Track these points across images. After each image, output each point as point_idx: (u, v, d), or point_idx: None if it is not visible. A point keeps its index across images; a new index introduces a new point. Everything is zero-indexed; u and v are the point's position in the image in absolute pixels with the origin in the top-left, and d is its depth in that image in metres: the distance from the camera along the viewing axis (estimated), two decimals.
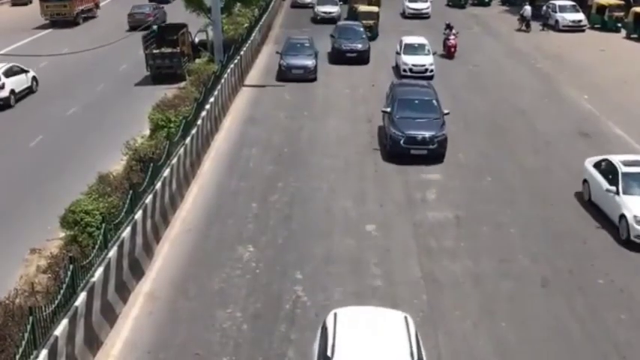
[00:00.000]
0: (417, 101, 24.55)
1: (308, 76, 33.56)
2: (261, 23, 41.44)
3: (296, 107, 29.57)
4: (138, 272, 16.07)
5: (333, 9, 50.09)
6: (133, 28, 43.72)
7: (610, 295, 15.73)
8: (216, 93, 26.37)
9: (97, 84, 33.80)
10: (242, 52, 33.28)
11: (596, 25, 46.46)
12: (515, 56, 39.53)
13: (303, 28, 46.41)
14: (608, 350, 13.87)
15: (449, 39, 38.40)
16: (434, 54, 34.90)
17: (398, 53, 35.09)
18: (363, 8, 46.23)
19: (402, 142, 22.76)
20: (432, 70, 33.57)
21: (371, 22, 43.76)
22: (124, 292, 15.15)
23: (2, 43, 39.31)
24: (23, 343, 10.60)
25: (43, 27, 50.49)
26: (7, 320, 11.37)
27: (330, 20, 47.69)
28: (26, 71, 32.50)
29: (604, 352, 13.84)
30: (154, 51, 34.10)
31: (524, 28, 46.82)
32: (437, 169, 22.69)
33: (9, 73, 31.31)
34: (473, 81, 33.26)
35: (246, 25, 38.20)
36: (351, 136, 26.06)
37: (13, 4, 63.14)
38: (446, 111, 24.12)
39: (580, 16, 46.53)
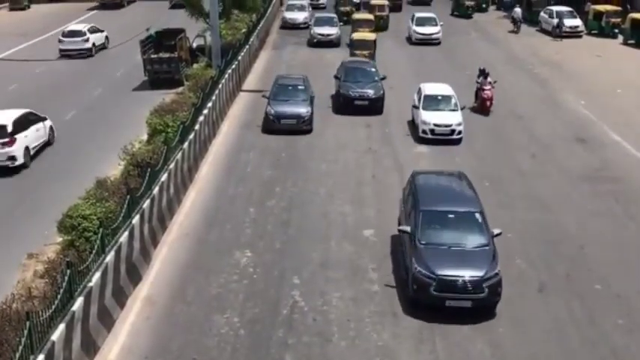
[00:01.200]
0: (451, 215, 16.29)
1: (301, 127, 26.85)
2: (259, 28, 41.50)
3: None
4: (135, 277, 16.06)
5: (331, 30, 43.65)
6: None
7: (607, 300, 15.75)
8: (214, 98, 26.40)
9: (95, 89, 33.81)
10: (240, 57, 33.32)
11: (593, 31, 46.57)
12: (512, 62, 39.59)
13: (300, 36, 46.33)
14: (606, 355, 13.89)
15: (484, 89, 29.42)
16: (462, 109, 26.83)
17: (416, 107, 26.94)
18: (357, 35, 38.74)
19: (432, 288, 14.88)
20: (459, 132, 25.79)
21: (365, 52, 36.26)
22: (121, 296, 15.14)
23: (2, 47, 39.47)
24: (20, 348, 10.58)
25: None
26: (4, 325, 11.37)
27: (328, 43, 42.91)
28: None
29: (601, 357, 13.85)
30: (152, 56, 34.12)
31: (515, 29, 48.21)
32: None
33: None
34: (470, 86, 33.28)
35: (244, 30, 38.26)
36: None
37: (11, 9, 63.12)
38: (497, 231, 15.97)
39: (577, 22, 46.65)
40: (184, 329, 14.57)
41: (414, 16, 46.49)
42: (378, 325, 14.76)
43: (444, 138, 25.55)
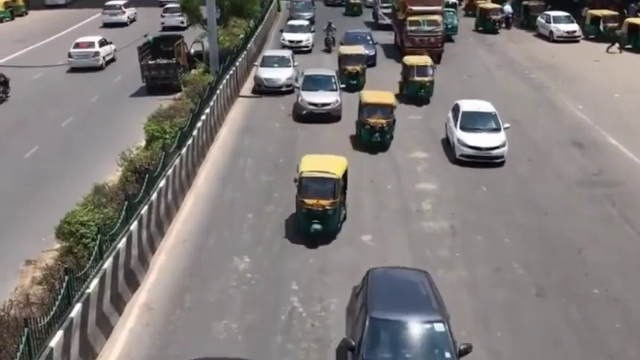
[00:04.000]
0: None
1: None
2: (256, 34, 41.56)
3: (290, 117, 29.57)
4: (133, 283, 16.06)
5: (328, 98, 29.20)
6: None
7: (605, 304, 15.77)
8: (211, 104, 26.43)
9: (93, 95, 33.81)
10: (237, 63, 33.37)
11: (590, 36, 46.66)
12: (509, 66, 39.66)
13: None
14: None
15: None
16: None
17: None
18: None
19: None
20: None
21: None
22: (119, 303, 15.13)
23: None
24: (18, 354, 10.57)
25: None
26: (2, 332, 11.36)
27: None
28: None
29: None
30: (150, 62, 34.14)
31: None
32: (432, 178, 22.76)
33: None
34: (467, 90, 33.31)
35: (241, 36, 38.31)
36: None
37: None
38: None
39: (574, 26, 46.74)
40: (183, 335, 14.57)
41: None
42: None
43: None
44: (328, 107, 28.57)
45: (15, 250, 17.98)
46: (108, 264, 14.39)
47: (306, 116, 28.61)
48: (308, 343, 14.30)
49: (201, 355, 12.56)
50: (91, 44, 39.78)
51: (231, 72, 31.45)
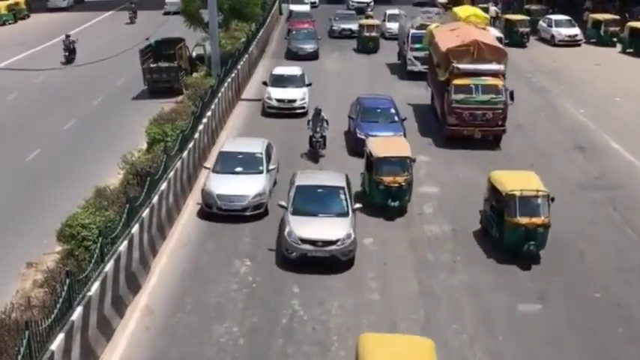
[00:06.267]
0: None
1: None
2: (258, 37, 41.58)
3: (292, 119, 29.55)
4: (134, 286, 16.04)
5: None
6: None
7: (607, 308, 15.74)
8: (213, 107, 26.42)
9: (95, 98, 33.83)
10: (239, 66, 33.38)
11: (592, 40, 46.68)
12: (511, 70, 39.51)
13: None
14: None
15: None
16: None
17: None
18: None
19: None
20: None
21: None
22: (120, 306, 15.12)
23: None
24: (19, 357, 10.56)
25: None
26: (2, 334, 11.36)
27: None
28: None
29: None
30: (152, 65, 34.18)
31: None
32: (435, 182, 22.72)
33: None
34: None
35: (243, 39, 38.33)
36: None
37: None
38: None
39: (576, 30, 46.75)
40: (183, 338, 14.55)
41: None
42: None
43: None
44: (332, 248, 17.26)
45: (16, 253, 17.98)
46: (109, 267, 14.38)
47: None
48: (309, 346, 14.28)
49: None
50: None
51: (232, 75, 31.47)
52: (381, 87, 32.90)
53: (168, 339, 14.57)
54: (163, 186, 18.79)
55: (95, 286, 13.62)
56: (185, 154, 21.33)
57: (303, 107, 28.90)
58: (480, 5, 52.54)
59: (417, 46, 34.85)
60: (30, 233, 19.22)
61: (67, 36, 43.22)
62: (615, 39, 45.32)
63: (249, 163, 21.00)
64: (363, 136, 23.44)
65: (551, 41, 46.73)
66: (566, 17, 48.07)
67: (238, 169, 20.84)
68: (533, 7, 52.21)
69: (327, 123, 24.78)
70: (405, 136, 24.12)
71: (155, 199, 17.93)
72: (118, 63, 35.92)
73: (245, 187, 20.05)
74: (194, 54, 37.16)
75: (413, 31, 36.16)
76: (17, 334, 11.20)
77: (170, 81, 33.78)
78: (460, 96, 25.49)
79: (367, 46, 42.94)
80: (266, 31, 46.65)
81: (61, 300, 12.07)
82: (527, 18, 47.55)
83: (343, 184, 18.81)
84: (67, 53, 42.12)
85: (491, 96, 25.48)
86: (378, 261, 17.69)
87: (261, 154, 21.30)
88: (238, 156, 21.24)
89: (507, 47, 36.03)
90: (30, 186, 23.10)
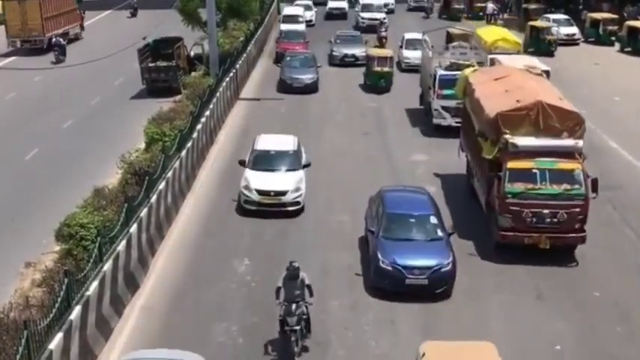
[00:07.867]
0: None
1: None
2: (256, 37, 41.56)
3: (291, 119, 29.55)
4: (133, 286, 16.04)
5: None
6: None
7: (606, 307, 15.75)
8: (211, 106, 26.42)
9: (93, 97, 33.78)
10: (237, 66, 33.36)
11: (590, 39, 46.70)
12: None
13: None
14: None
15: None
16: None
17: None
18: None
19: None
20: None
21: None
22: (119, 305, 15.11)
23: None
24: (18, 357, 10.54)
25: None
26: (1, 334, 11.34)
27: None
28: None
29: None
30: (150, 64, 34.15)
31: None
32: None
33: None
34: None
35: (241, 38, 38.32)
36: None
37: None
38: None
39: (574, 29, 46.77)
40: (182, 338, 14.51)
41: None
42: (376, 334, 14.74)
43: None
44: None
45: (15, 252, 17.94)
46: (107, 266, 14.37)
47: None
48: (308, 346, 14.25)
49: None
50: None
51: (231, 74, 31.45)
52: (400, 148, 26.08)
53: (166, 338, 14.54)
54: (162, 185, 18.79)
55: (94, 285, 13.61)
56: (183, 153, 21.34)
57: (298, 203, 20.50)
58: (479, 4, 52.85)
59: (447, 92, 26.25)
60: (29, 233, 19.19)
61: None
62: (614, 38, 45.36)
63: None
64: (388, 267, 16.11)
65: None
66: (565, 16, 48.08)
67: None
68: (532, 6, 52.19)
69: (311, 292, 14.28)
70: (454, 267, 16.18)
71: (154, 199, 17.92)
72: (116, 62, 35.96)
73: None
74: (192, 53, 37.14)
75: (441, 72, 27.12)
76: (16, 333, 11.18)
77: (168, 80, 33.76)
78: (519, 186, 17.53)
79: (378, 83, 33.74)
80: (264, 31, 46.64)
81: (59, 299, 12.06)
82: (554, 25, 44.13)
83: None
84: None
85: (566, 187, 17.72)
86: None
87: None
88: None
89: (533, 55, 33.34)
90: (28, 185, 23.06)
